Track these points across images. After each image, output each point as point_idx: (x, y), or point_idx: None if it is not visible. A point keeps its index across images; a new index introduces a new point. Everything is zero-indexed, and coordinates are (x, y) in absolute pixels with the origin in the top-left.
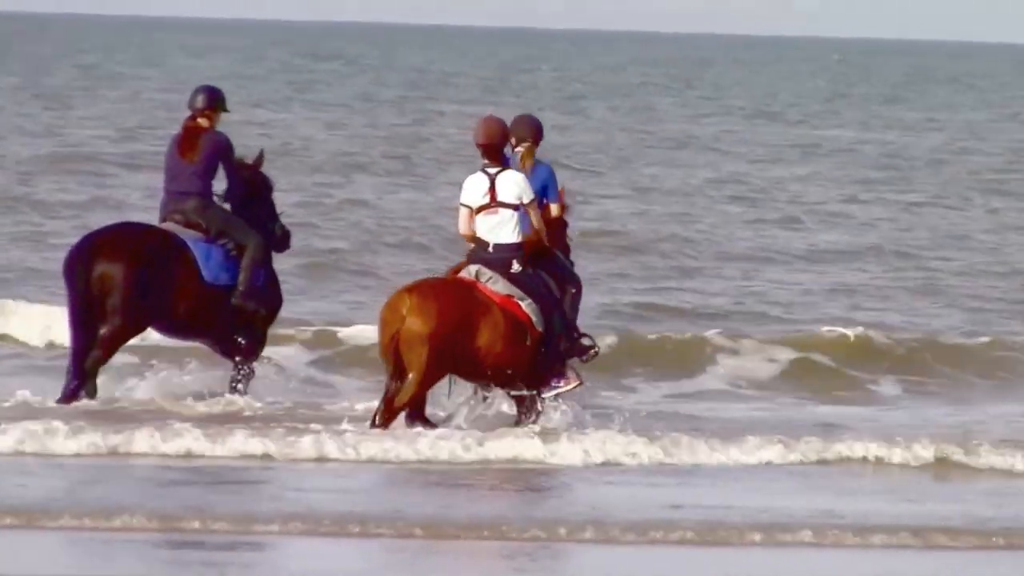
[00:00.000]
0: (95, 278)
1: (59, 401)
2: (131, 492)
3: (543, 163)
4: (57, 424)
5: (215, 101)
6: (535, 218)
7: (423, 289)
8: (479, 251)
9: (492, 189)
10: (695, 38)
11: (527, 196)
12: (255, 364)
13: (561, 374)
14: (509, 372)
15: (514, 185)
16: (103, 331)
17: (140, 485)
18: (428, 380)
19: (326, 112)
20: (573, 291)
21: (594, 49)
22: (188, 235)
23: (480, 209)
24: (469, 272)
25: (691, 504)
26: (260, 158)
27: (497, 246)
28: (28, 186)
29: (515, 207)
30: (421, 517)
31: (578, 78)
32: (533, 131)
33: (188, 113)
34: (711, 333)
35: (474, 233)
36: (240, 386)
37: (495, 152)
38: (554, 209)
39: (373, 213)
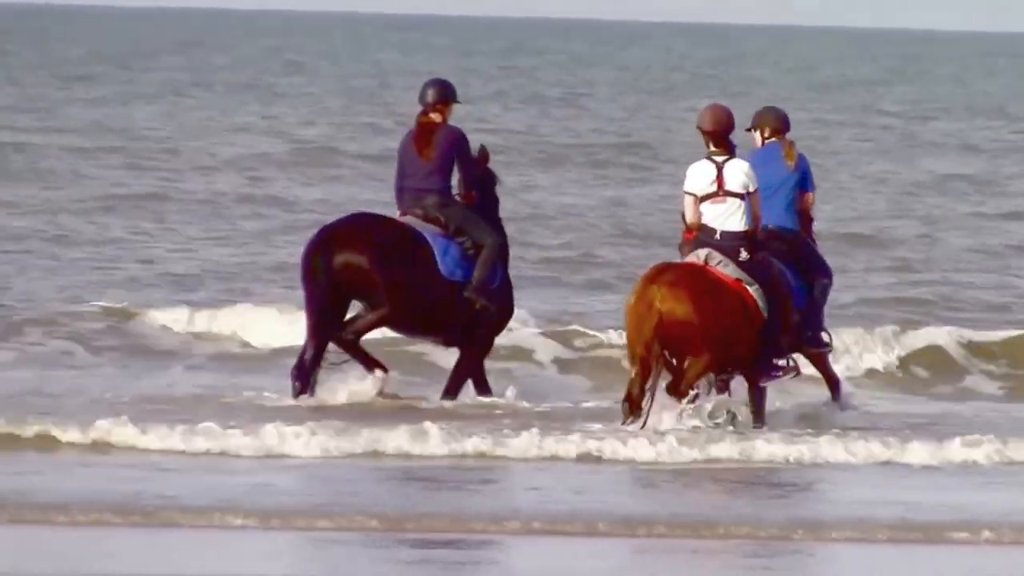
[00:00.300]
0: (336, 268)
1: (295, 396)
2: (362, 491)
3: (801, 153)
4: (294, 426)
5: (446, 94)
6: (756, 208)
7: (668, 276)
8: (706, 237)
9: (720, 177)
10: (696, 28)
11: (752, 185)
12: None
13: (780, 363)
14: (737, 355)
15: (741, 174)
16: (372, 316)
17: (371, 484)
18: (717, 361)
19: (541, 106)
20: (825, 281)
21: (796, 45)
22: (427, 229)
23: (706, 197)
24: (698, 256)
25: (912, 502)
26: (485, 154)
27: (725, 234)
28: (260, 184)
29: (741, 196)
30: (654, 516)
31: (788, 72)
32: (781, 122)
33: (420, 109)
34: (935, 327)
35: (698, 221)
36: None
37: (722, 139)
38: (811, 198)
39: (599, 207)
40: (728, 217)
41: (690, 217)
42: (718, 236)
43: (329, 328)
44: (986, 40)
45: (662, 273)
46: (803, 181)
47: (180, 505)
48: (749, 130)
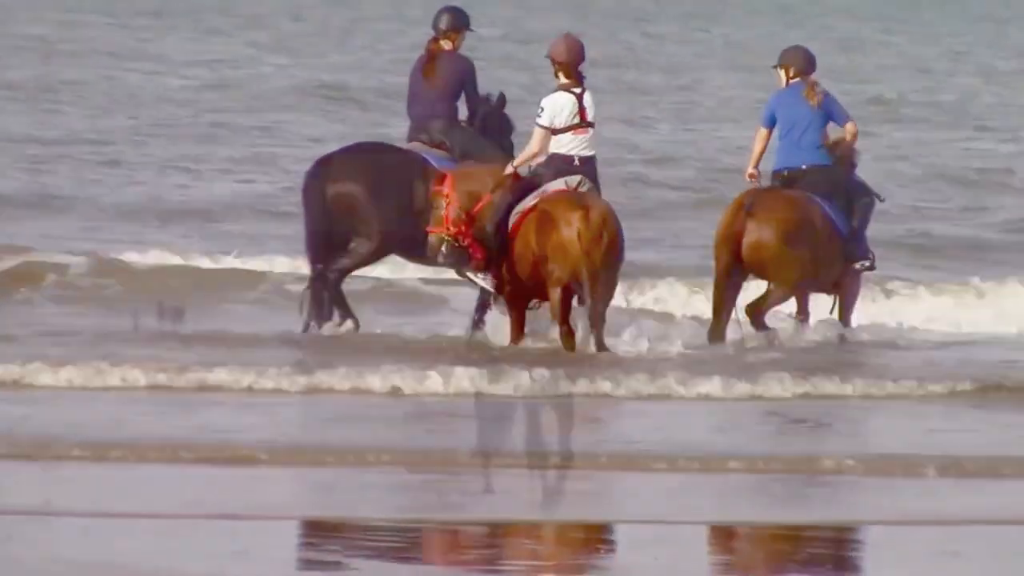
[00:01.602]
0: (331, 198)
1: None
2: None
3: (827, 91)
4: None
5: (459, 21)
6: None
7: (597, 208)
8: (564, 165)
9: (582, 109)
10: None
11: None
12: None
13: None
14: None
15: (594, 104)
16: (352, 249)
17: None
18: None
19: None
20: (866, 200)
21: None
22: (432, 155)
23: (568, 128)
24: (569, 183)
25: None
26: (503, 101)
27: (583, 159)
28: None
29: (594, 125)
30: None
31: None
32: (807, 62)
33: (431, 35)
34: None
35: (544, 151)
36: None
37: (573, 70)
38: (850, 127)
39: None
40: (589, 145)
41: (538, 147)
42: (577, 163)
43: (331, 256)
44: None
45: (584, 202)
46: (831, 117)
47: None
48: (775, 67)
